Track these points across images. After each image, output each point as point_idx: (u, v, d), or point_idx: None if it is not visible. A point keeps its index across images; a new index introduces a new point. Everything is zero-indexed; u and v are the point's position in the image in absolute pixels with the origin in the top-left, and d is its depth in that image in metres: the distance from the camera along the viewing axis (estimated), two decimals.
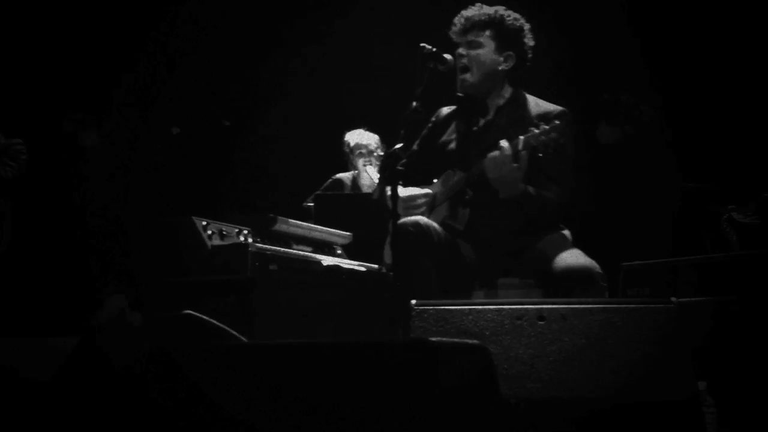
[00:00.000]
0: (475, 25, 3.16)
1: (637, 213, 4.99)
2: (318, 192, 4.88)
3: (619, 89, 5.03)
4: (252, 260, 3.06)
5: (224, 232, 3.21)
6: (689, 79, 5.01)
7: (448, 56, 3.03)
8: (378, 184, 3.19)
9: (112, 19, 5.78)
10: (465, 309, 2.35)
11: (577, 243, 3.09)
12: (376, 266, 3.54)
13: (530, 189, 2.97)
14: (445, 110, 3.35)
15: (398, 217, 2.83)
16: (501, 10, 3.18)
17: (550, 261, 2.91)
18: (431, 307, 2.38)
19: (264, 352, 1.90)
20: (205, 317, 2.36)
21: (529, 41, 3.19)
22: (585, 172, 3.36)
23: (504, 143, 2.88)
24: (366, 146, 4.95)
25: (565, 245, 3.01)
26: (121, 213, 5.78)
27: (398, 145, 2.84)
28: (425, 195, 3.22)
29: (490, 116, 3.21)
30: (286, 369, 1.83)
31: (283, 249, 3.31)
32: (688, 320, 2.36)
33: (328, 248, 3.69)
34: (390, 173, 2.81)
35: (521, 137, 2.86)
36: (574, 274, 2.83)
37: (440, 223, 3.09)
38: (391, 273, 2.94)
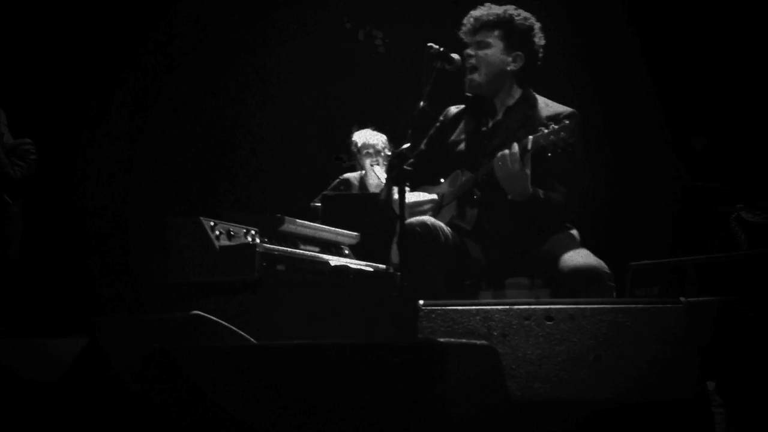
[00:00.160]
0: (483, 25, 3.14)
1: (644, 212, 4.98)
2: (325, 192, 4.88)
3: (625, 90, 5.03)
4: (259, 261, 3.07)
5: (232, 233, 3.21)
6: (698, 78, 5.00)
7: (455, 56, 3.03)
8: (385, 184, 3.20)
9: (111, 19, 5.78)
10: (473, 309, 2.35)
11: (585, 242, 3.09)
12: (383, 266, 3.54)
13: (538, 190, 2.96)
14: (453, 110, 3.35)
15: (405, 217, 2.83)
16: (510, 9, 3.16)
17: (558, 261, 2.90)
18: (439, 308, 2.38)
19: (272, 353, 1.91)
20: (213, 318, 2.37)
21: (540, 41, 3.17)
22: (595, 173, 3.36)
23: (514, 144, 2.87)
24: (373, 146, 4.95)
25: (572, 245, 3.01)
26: (123, 213, 5.80)
27: (405, 145, 2.84)
28: (431, 201, 3.22)
29: (499, 117, 3.20)
30: (294, 370, 1.83)
31: (290, 249, 3.32)
32: (697, 320, 2.35)
33: (335, 248, 3.69)
34: (397, 173, 2.81)
35: (530, 137, 2.85)
36: (581, 274, 2.83)
37: (448, 223, 3.09)
38: (399, 273, 2.94)
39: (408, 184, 2.87)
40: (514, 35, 3.13)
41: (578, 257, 2.90)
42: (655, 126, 5.10)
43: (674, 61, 5.05)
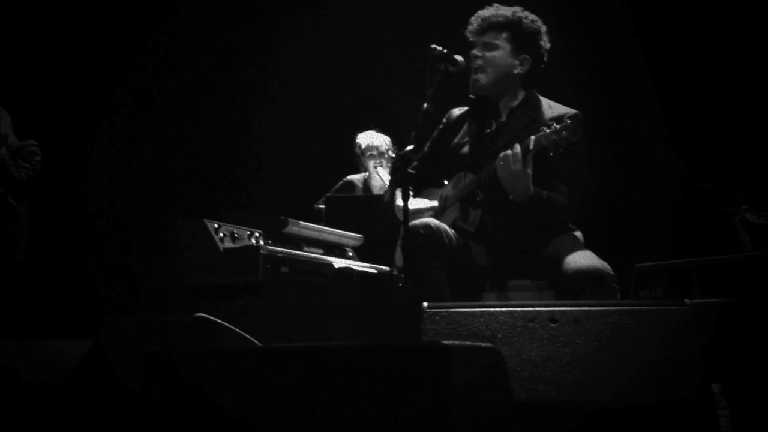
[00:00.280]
0: (491, 26, 3.13)
1: (648, 214, 4.97)
2: (329, 194, 4.88)
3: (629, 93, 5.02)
4: (263, 263, 3.06)
5: (236, 235, 3.21)
6: (703, 79, 4.99)
7: (459, 57, 3.02)
8: (389, 185, 3.19)
9: (112, 19, 5.79)
10: (477, 311, 2.34)
11: (589, 244, 3.08)
12: (387, 268, 3.54)
13: (541, 190, 2.96)
14: (456, 112, 3.34)
15: (409, 219, 2.83)
16: (518, 11, 3.14)
17: (561, 262, 2.90)
18: (443, 310, 2.37)
19: (276, 355, 1.91)
20: (217, 320, 2.37)
21: (546, 44, 3.16)
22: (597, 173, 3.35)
23: (516, 145, 2.87)
24: (377, 148, 4.95)
25: (576, 246, 3.01)
26: (126, 216, 5.80)
27: (409, 147, 2.84)
28: (431, 208, 3.22)
29: (502, 119, 3.19)
30: (298, 372, 1.83)
31: (294, 251, 3.32)
32: (702, 322, 2.35)
33: (339, 250, 3.69)
34: (401, 175, 2.81)
35: (532, 137, 2.85)
36: (585, 275, 2.82)
37: (451, 225, 3.09)
38: (402, 275, 2.94)
39: (412, 187, 2.87)
40: (522, 38, 3.12)
41: (582, 259, 2.89)
42: (658, 127, 5.09)
43: (677, 61, 5.04)
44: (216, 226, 3.17)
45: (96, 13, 5.79)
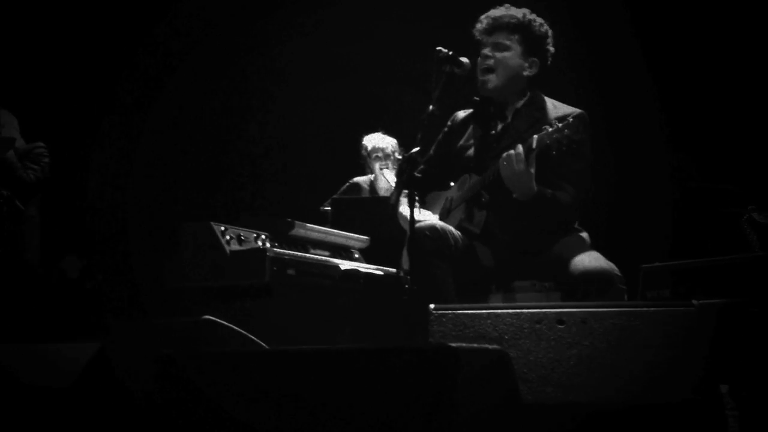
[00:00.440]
0: (503, 27, 3.12)
1: (655, 215, 4.96)
2: (335, 196, 4.88)
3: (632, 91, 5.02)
4: (270, 265, 3.07)
5: (242, 237, 3.22)
6: (710, 79, 4.97)
7: (464, 59, 3.02)
8: (395, 187, 3.19)
9: (114, 19, 5.80)
10: (483, 313, 2.34)
11: (596, 245, 3.07)
12: (393, 270, 3.54)
13: (545, 189, 2.95)
14: (461, 114, 3.34)
15: (414, 222, 2.83)
16: (528, 14, 3.14)
17: (568, 263, 2.90)
18: (450, 312, 2.37)
19: (283, 358, 1.91)
20: (224, 323, 2.37)
21: (551, 48, 3.17)
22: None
23: (518, 145, 2.87)
24: (383, 150, 4.95)
25: (582, 247, 3.00)
26: (132, 218, 5.81)
27: (415, 149, 2.84)
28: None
29: (507, 120, 3.19)
30: (305, 375, 1.83)
31: (300, 253, 3.32)
32: (709, 323, 2.34)
33: (345, 252, 3.70)
34: (407, 178, 2.81)
35: (535, 136, 2.84)
36: (592, 276, 2.82)
37: (456, 227, 3.09)
38: (409, 277, 2.94)
39: (418, 191, 2.87)
40: (531, 41, 3.12)
41: (589, 260, 2.89)
42: (665, 127, 5.08)
43: (682, 59, 5.03)
44: (222, 228, 3.18)
45: (99, 13, 5.80)
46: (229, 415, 1.84)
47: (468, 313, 2.35)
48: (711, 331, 2.34)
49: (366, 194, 4.94)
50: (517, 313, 2.32)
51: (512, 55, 3.12)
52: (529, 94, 3.18)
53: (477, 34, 3.17)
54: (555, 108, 3.13)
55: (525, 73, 3.14)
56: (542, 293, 3.04)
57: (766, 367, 2.67)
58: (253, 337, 2.36)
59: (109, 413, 2.29)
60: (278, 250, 3.19)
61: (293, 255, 3.24)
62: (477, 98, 3.24)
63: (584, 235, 3.12)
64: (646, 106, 5.03)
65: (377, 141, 4.99)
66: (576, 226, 3.15)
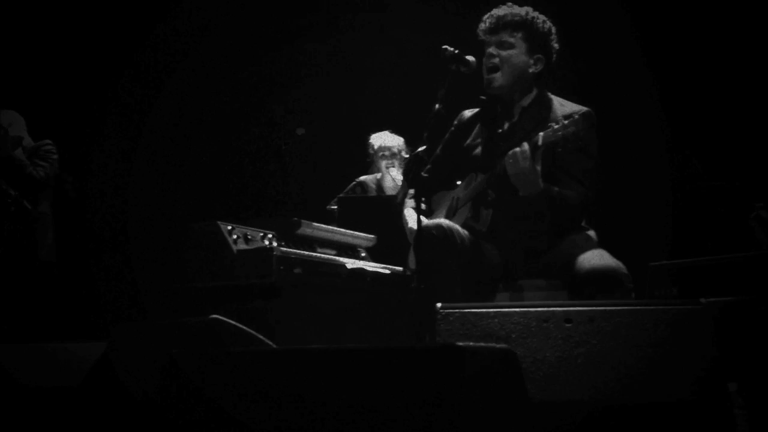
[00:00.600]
0: (507, 25, 3.12)
1: (662, 212, 4.95)
2: (341, 195, 4.89)
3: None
4: (277, 264, 3.07)
5: (249, 237, 3.22)
6: (717, 76, 4.96)
7: (470, 58, 3.02)
8: (401, 186, 3.20)
9: (110, 19, 5.80)
10: (491, 312, 2.34)
11: (603, 243, 3.07)
12: (400, 269, 3.54)
13: (552, 187, 2.95)
14: (467, 113, 3.34)
15: (421, 220, 2.83)
16: (531, 11, 3.14)
17: (575, 261, 2.89)
18: (457, 311, 2.37)
19: (290, 357, 1.91)
20: (232, 322, 2.37)
21: (556, 44, 3.16)
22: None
23: (524, 143, 2.87)
24: (389, 148, 4.95)
25: (589, 245, 2.99)
26: (137, 219, 5.82)
27: (421, 148, 2.84)
28: None
29: (515, 118, 3.19)
30: (312, 374, 1.83)
31: (307, 252, 3.32)
32: (717, 321, 2.34)
33: (352, 251, 3.70)
34: (414, 177, 2.81)
35: (541, 133, 2.84)
36: (599, 275, 2.81)
37: (463, 225, 3.08)
38: (416, 276, 2.94)
39: (424, 191, 2.87)
40: (536, 38, 3.12)
41: (596, 258, 2.88)
42: (669, 125, 5.07)
43: (688, 57, 5.02)
44: (229, 228, 3.18)
45: (97, 13, 5.81)
46: (235, 415, 1.84)
47: (475, 312, 2.35)
48: (719, 330, 2.33)
49: (373, 193, 4.94)
50: (524, 312, 2.31)
51: (517, 52, 3.12)
52: (536, 92, 3.18)
53: (481, 34, 3.17)
54: (562, 106, 3.13)
55: (530, 71, 3.14)
56: (549, 292, 3.03)
57: None
58: (260, 336, 2.36)
59: (116, 412, 2.30)
60: (285, 249, 3.20)
61: (300, 254, 3.25)
62: (483, 97, 3.24)
63: (591, 233, 3.11)
64: (649, 103, 5.02)
65: (384, 140, 5.00)
66: (583, 224, 3.14)
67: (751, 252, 3.55)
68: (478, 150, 3.21)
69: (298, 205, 5.54)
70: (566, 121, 2.80)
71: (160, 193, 5.94)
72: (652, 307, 2.27)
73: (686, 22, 4.99)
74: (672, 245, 4.64)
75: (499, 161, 3.04)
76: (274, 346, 2.36)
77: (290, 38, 5.94)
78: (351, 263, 3.45)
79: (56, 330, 4.62)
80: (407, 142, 4.97)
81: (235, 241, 3.15)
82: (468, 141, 3.26)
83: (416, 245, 2.90)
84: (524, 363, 2.19)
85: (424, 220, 2.96)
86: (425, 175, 2.82)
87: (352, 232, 3.75)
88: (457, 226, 3.02)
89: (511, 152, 2.89)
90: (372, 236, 3.81)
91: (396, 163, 4.92)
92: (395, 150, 4.95)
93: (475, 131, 3.26)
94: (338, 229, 3.74)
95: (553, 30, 3.16)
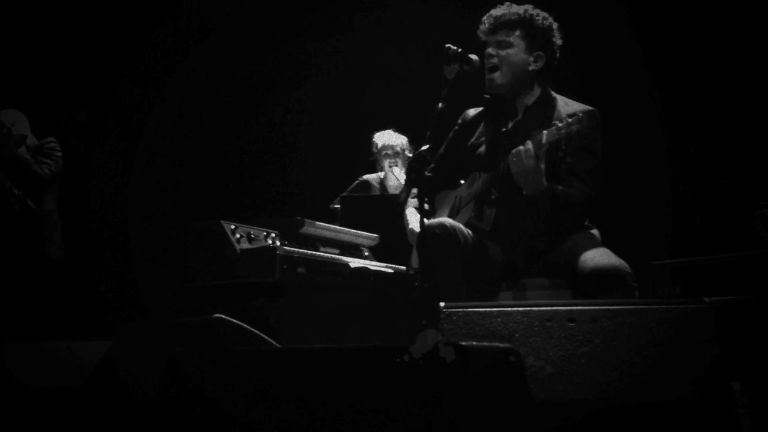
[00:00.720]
0: (504, 25, 3.13)
1: (666, 211, 4.95)
2: (344, 194, 4.89)
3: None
4: (280, 263, 3.07)
5: (252, 236, 3.22)
6: (720, 74, 4.95)
7: (474, 57, 3.02)
8: (404, 185, 3.19)
9: (110, 19, 5.81)
10: (494, 311, 2.34)
11: (606, 242, 3.06)
12: (403, 268, 3.54)
13: (556, 186, 2.94)
14: (471, 112, 3.34)
15: (423, 220, 2.83)
16: (530, 9, 3.14)
17: (578, 260, 2.89)
18: (460, 310, 2.37)
19: (293, 357, 1.91)
20: (235, 321, 2.38)
21: (558, 40, 3.16)
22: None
23: (527, 141, 2.87)
24: (392, 147, 4.95)
25: (592, 244, 2.99)
26: (141, 218, 5.82)
27: (424, 147, 2.84)
28: None
29: (518, 117, 3.19)
30: (315, 374, 1.83)
31: (310, 252, 3.32)
32: (721, 320, 2.33)
33: (355, 250, 3.70)
34: (417, 176, 2.81)
35: (544, 132, 2.84)
36: (603, 274, 2.81)
37: (466, 224, 3.08)
38: (419, 275, 2.94)
39: (428, 190, 2.87)
40: (535, 35, 3.12)
41: (599, 257, 2.88)
42: (673, 124, 5.06)
43: (686, 56, 5.01)
44: (233, 227, 3.18)
45: (97, 12, 5.81)
46: (237, 415, 1.84)
47: (478, 311, 2.35)
48: (722, 329, 2.33)
49: (376, 192, 4.94)
50: (527, 311, 2.31)
51: (515, 51, 3.12)
52: (540, 90, 3.18)
53: (481, 34, 3.18)
54: (566, 105, 3.13)
55: (530, 68, 3.14)
56: (552, 291, 3.03)
57: None
58: (263, 335, 2.36)
59: (120, 412, 2.30)
60: (288, 248, 3.20)
61: (303, 253, 3.25)
62: (487, 96, 3.24)
63: (595, 232, 3.11)
64: (651, 102, 5.02)
65: (387, 138, 4.99)
66: (586, 223, 3.14)
67: (755, 251, 3.54)
68: (482, 149, 3.21)
69: (301, 204, 5.54)
70: (570, 120, 2.79)
71: (161, 192, 5.94)
72: (655, 307, 2.27)
73: (688, 20, 4.99)
74: (674, 244, 4.63)
75: (502, 160, 3.04)
76: (278, 345, 2.37)
77: (290, 38, 5.93)
78: (354, 262, 3.45)
79: (60, 328, 4.63)
80: (410, 141, 4.97)
81: (238, 240, 3.15)
82: (472, 140, 3.26)
83: (419, 244, 2.89)
84: (527, 362, 2.19)
85: (415, 221, 2.96)
86: (428, 174, 2.82)
87: (355, 231, 3.75)
88: (461, 225, 3.02)
89: (514, 150, 2.89)
90: (375, 235, 3.82)
91: (399, 162, 4.92)
92: (398, 149, 4.95)
93: (479, 130, 3.26)
94: (341, 228, 3.74)
95: (554, 26, 3.16)
